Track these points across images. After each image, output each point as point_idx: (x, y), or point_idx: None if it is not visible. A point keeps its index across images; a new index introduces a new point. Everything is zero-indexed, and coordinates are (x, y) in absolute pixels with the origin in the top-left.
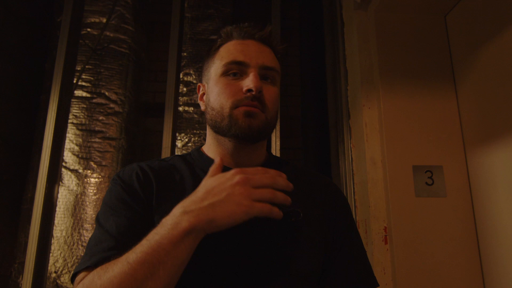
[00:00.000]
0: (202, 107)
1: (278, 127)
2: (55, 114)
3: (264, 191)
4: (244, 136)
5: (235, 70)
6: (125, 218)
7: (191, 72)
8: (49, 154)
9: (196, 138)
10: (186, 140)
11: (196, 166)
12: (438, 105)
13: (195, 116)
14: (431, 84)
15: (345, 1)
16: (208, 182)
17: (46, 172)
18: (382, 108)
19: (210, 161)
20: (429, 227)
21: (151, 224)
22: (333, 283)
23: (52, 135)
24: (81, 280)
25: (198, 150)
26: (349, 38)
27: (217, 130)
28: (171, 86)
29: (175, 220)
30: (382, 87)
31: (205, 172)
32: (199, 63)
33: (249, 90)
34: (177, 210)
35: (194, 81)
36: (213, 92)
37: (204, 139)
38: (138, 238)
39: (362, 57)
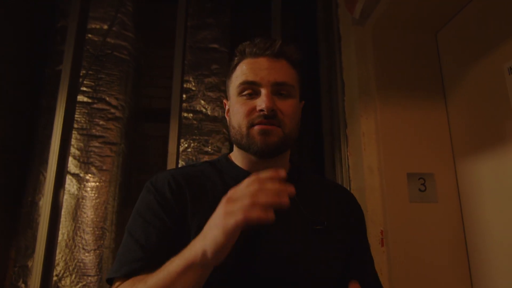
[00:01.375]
0: (228, 122)
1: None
2: (62, 120)
3: (242, 201)
4: (262, 153)
5: (249, 90)
6: (154, 229)
7: (191, 79)
8: (56, 159)
9: (196, 144)
10: (186, 145)
11: (225, 174)
12: (430, 116)
13: (194, 122)
14: (424, 96)
15: (342, 16)
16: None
17: (54, 177)
18: (379, 118)
19: (239, 169)
20: (422, 230)
21: (182, 232)
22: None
23: (59, 140)
24: None
25: (226, 157)
26: (346, 51)
27: (239, 146)
28: (176, 95)
29: (184, 251)
30: (378, 99)
31: (234, 180)
32: (198, 70)
33: (261, 110)
34: (195, 241)
35: (194, 88)
36: (233, 111)
37: (203, 145)
38: (166, 248)
39: (360, 71)
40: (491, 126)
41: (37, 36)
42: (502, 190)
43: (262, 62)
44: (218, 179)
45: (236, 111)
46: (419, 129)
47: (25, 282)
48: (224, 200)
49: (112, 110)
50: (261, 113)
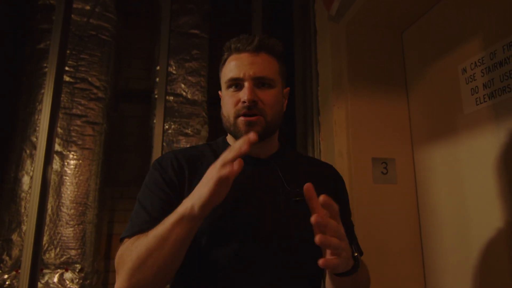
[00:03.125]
0: (221, 112)
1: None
2: (50, 100)
3: (225, 154)
4: None
5: (234, 85)
6: (158, 198)
7: (172, 63)
8: (45, 137)
9: (176, 126)
10: (167, 127)
11: (219, 153)
12: (393, 108)
13: (175, 105)
14: (389, 90)
15: (318, 11)
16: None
17: (44, 154)
18: (349, 108)
19: None
20: (383, 207)
21: (181, 202)
22: None
23: (48, 119)
24: (123, 244)
25: (223, 139)
26: (321, 45)
27: (229, 132)
28: (163, 80)
29: (177, 208)
30: (350, 91)
31: None
32: (179, 55)
33: (244, 102)
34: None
35: (174, 72)
36: (223, 102)
37: (183, 127)
38: (167, 214)
39: (334, 64)
40: (444, 119)
41: (16, 13)
42: (452, 175)
43: (244, 57)
44: (212, 157)
45: (226, 103)
46: (384, 119)
47: (10, 255)
48: (207, 171)
49: (95, 91)
50: (244, 104)
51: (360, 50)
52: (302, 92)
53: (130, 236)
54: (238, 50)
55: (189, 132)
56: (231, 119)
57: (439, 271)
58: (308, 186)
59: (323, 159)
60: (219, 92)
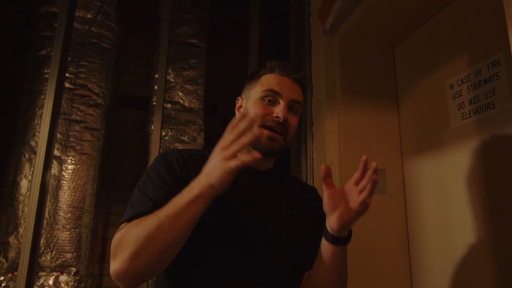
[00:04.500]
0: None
1: None
2: (51, 105)
3: (232, 147)
4: (263, 153)
5: (270, 97)
6: (162, 191)
7: (170, 71)
8: (45, 142)
9: (173, 133)
10: (164, 134)
11: None
12: (384, 120)
13: (172, 112)
14: (380, 102)
15: (313, 24)
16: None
17: (43, 159)
18: (342, 119)
19: None
20: (372, 216)
21: None
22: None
23: (48, 124)
24: (123, 227)
25: None
26: (316, 57)
27: None
28: (161, 89)
29: (189, 188)
30: (342, 102)
31: None
32: (178, 63)
33: (277, 117)
34: (192, 182)
35: (172, 80)
36: (251, 110)
37: (180, 134)
38: None
39: (327, 76)
40: (433, 132)
41: (19, 20)
42: (439, 186)
43: (287, 81)
44: None
45: (255, 110)
46: (375, 131)
47: (6, 257)
48: (217, 149)
49: (94, 97)
50: (276, 119)
51: (353, 63)
52: None
53: (133, 218)
54: (282, 74)
55: (186, 139)
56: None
57: (425, 277)
58: (325, 166)
59: (315, 168)
60: (239, 98)
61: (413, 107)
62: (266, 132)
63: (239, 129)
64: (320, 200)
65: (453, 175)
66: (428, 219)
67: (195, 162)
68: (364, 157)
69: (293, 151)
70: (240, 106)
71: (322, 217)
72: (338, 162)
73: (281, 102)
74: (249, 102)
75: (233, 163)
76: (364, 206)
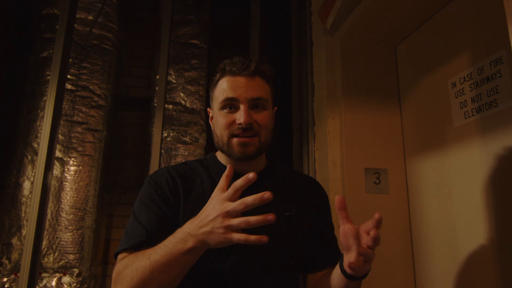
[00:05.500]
0: (212, 129)
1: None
2: (52, 107)
3: (237, 223)
4: (241, 160)
5: (229, 106)
6: (154, 214)
7: (171, 72)
8: (47, 144)
9: (175, 134)
10: (165, 135)
11: (211, 170)
12: (386, 119)
13: (174, 113)
14: (382, 102)
15: (314, 24)
16: (208, 204)
17: (45, 161)
18: (343, 119)
19: (223, 166)
20: None
21: (176, 218)
22: (317, 260)
23: (50, 126)
24: (121, 260)
25: (213, 156)
26: (317, 57)
27: (222, 151)
28: (162, 90)
29: (184, 237)
30: (344, 102)
31: (218, 175)
32: (179, 64)
33: (240, 124)
34: (185, 228)
35: (174, 81)
36: (216, 121)
37: (182, 135)
38: (162, 230)
39: (329, 76)
40: (435, 131)
41: (21, 22)
42: (441, 185)
43: (240, 80)
44: (205, 174)
45: (219, 123)
46: (377, 130)
47: (9, 259)
48: (220, 210)
49: (96, 98)
50: (240, 126)
51: (354, 63)
52: (298, 102)
53: (126, 250)
54: (233, 73)
55: (188, 140)
56: (225, 139)
57: (429, 277)
58: (339, 198)
59: (317, 168)
60: (208, 109)
61: (415, 106)
62: (235, 140)
63: (246, 203)
64: (321, 192)
65: (456, 174)
66: (431, 218)
67: (184, 179)
68: (338, 198)
69: (295, 151)
70: (212, 117)
71: (324, 212)
72: (340, 162)
73: (241, 106)
74: (215, 113)
75: (235, 238)
76: (361, 270)
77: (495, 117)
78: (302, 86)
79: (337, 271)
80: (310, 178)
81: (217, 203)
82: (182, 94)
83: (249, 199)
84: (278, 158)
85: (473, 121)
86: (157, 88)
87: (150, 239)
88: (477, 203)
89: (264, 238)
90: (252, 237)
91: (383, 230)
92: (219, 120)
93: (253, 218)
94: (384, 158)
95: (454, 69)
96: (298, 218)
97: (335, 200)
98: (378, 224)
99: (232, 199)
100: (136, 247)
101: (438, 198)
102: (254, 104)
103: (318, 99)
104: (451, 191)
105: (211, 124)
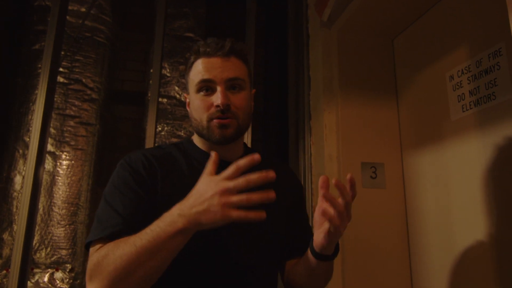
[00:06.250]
0: (190, 114)
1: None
2: (43, 100)
3: (240, 199)
4: (221, 143)
5: (205, 88)
6: (130, 200)
7: (166, 65)
8: (38, 138)
9: (169, 128)
10: (160, 129)
11: (188, 155)
12: (383, 113)
13: (168, 107)
14: (379, 95)
15: (311, 17)
16: (199, 187)
17: (36, 154)
18: (340, 113)
19: (200, 151)
20: (371, 211)
21: (153, 204)
22: (294, 247)
23: (41, 119)
24: (97, 250)
25: (189, 140)
26: (313, 50)
27: (201, 135)
28: (156, 82)
29: (173, 219)
30: (340, 96)
31: (196, 160)
32: (174, 58)
33: (218, 106)
34: (175, 210)
35: (168, 75)
36: (193, 105)
37: (176, 129)
38: (140, 217)
39: (325, 69)
40: (433, 124)
41: (13, 14)
42: (439, 180)
43: (215, 61)
44: (183, 159)
45: (197, 107)
46: (374, 124)
47: (0, 254)
48: (217, 188)
49: (88, 92)
50: (218, 108)
51: (351, 56)
52: (294, 96)
53: (102, 239)
54: (208, 54)
55: (182, 134)
56: (204, 122)
57: (425, 273)
58: (323, 178)
59: (313, 162)
60: (185, 95)
61: (413, 100)
62: (215, 122)
63: (250, 180)
64: (297, 182)
65: (453, 168)
66: (428, 214)
67: (161, 163)
68: (322, 178)
69: (291, 145)
70: (189, 103)
71: (300, 202)
72: (337, 157)
73: (217, 87)
74: (191, 98)
75: (235, 214)
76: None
77: (494, 110)
78: (298, 80)
79: (308, 253)
80: (287, 167)
81: (213, 182)
82: (176, 88)
83: (253, 176)
84: (274, 152)
85: (471, 114)
86: (151, 81)
87: (128, 227)
88: (474, 197)
89: (263, 214)
90: (252, 214)
91: (379, 225)
92: (196, 103)
93: (255, 195)
94: (380, 152)
95: (451, 62)
96: (280, 209)
97: (319, 180)
98: (351, 186)
99: (231, 178)
100: (113, 236)
101: (435, 192)
102: (231, 85)
103: (315, 93)
104: (448, 185)
105: (188, 110)
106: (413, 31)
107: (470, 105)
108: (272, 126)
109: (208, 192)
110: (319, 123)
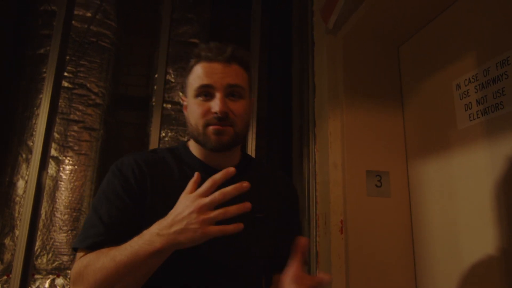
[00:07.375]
0: (186, 118)
1: (254, 129)
2: (48, 105)
3: (217, 213)
4: (217, 150)
5: (204, 93)
6: (116, 209)
7: (170, 71)
8: (42, 142)
9: (173, 134)
10: (163, 134)
11: (182, 161)
12: (388, 121)
13: (172, 113)
14: (384, 103)
15: (316, 23)
16: (177, 205)
17: (39, 159)
18: (345, 120)
19: (194, 158)
20: (376, 220)
21: (141, 213)
22: (276, 262)
23: (45, 124)
24: (80, 258)
25: (185, 146)
26: (318, 57)
27: (196, 141)
28: (160, 89)
29: (151, 238)
30: (345, 103)
31: (189, 167)
32: (178, 63)
33: (215, 113)
34: (154, 229)
35: (173, 80)
36: (191, 110)
37: (180, 135)
38: (125, 226)
39: (330, 76)
40: (439, 133)
41: (18, 19)
42: (445, 189)
43: (216, 66)
44: (175, 166)
45: (194, 111)
46: (379, 132)
47: (1, 260)
48: (195, 205)
49: (93, 97)
50: (215, 115)
51: (356, 63)
52: (299, 103)
53: (84, 248)
54: (209, 59)
55: (186, 140)
56: (200, 128)
57: (431, 282)
58: (304, 241)
59: (317, 170)
60: (183, 98)
61: (419, 108)
62: (211, 128)
63: (225, 193)
64: (293, 194)
65: (459, 178)
66: (434, 224)
67: (152, 170)
68: (302, 241)
69: (295, 152)
70: (186, 106)
71: (293, 214)
72: (341, 164)
73: (216, 94)
74: (189, 102)
75: (213, 231)
76: None
77: (501, 120)
78: (302, 86)
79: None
80: (284, 177)
81: (189, 200)
82: (181, 94)
83: (228, 188)
84: (278, 159)
85: (478, 123)
86: (155, 87)
87: (110, 237)
88: (481, 208)
89: (240, 225)
90: (229, 227)
91: (384, 234)
92: (193, 108)
93: (231, 208)
94: (386, 161)
95: (458, 71)
96: (269, 220)
97: (299, 241)
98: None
99: (206, 194)
100: (94, 246)
101: (441, 202)
102: (231, 92)
103: (319, 100)
104: (454, 195)
105: (185, 113)
106: (419, 38)
107: (477, 114)
108: (276, 133)
109: (185, 211)
110: (324, 130)
